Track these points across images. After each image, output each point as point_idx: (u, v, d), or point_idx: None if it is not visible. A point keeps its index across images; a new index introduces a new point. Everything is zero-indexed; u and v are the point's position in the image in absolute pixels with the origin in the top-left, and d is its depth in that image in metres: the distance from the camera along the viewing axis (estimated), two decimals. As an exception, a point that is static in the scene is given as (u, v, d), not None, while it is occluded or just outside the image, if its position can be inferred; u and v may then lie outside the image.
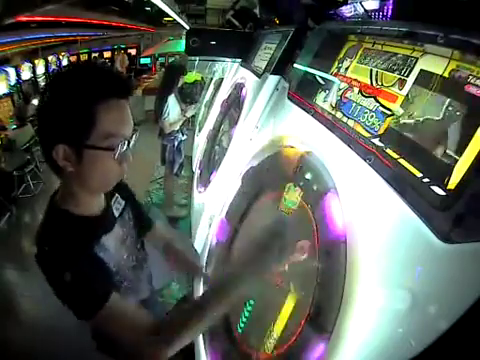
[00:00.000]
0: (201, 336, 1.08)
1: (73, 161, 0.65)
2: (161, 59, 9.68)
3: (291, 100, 1.20)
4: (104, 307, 0.65)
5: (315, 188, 0.84)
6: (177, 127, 2.90)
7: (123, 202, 0.86)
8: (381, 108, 0.76)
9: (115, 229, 0.81)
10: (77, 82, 0.65)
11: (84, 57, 8.83)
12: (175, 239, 1.11)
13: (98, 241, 0.75)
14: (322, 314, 0.66)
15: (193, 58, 3.19)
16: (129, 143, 0.70)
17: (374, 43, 0.88)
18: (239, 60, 2.33)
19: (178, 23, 5.77)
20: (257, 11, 2.25)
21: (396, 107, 0.72)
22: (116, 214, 0.83)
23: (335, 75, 1.01)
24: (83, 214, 0.73)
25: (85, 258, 0.69)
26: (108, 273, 0.75)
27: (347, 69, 0.96)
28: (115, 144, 0.66)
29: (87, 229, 0.72)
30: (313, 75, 1.13)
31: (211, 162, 2.34)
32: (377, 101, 0.78)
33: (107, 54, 9.87)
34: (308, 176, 0.88)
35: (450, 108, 0.59)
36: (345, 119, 0.88)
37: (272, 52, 1.61)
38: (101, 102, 0.63)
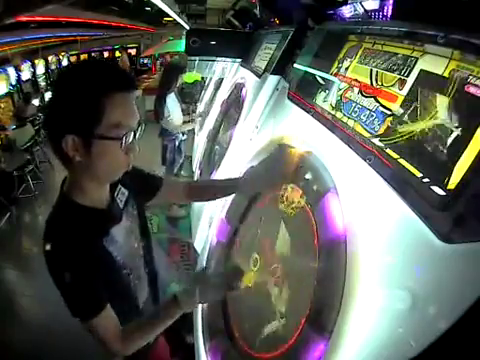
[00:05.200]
0: (201, 336, 1.08)
1: (81, 151, 0.67)
2: (161, 59, 9.68)
3: (291, 100, 1.20)
4: (98, 316, 0.72)
5: (315, 188, 0.83)
6: (183, 130, 2.91)
7: (126, 192, 0.87)
8: (381, 108, 0.76)
9: (123, 220, 0.83)
10: (85, 76, 0.68)
11: (84, 57, 8.82)
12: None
13: (108, 233, 0.77)
14: (322, 314, 0.66)
15: (193, 58, 3.19)
16: (135, 135, 0.72)
17: (374, 43, 0.88)
18: (239, 60, 2.33)
19: (178, 23, 5.78)
20: (257, 11, 2.25)
21: (396, 107, 0.72)
22: (120, 206, 0.84)
23: (335, 75, 1.01)
24: (92, 206, 0.75)
25: (93, 251, 0.71)
26: (111, 274, 0.77)
27: (347, 69, 0.96)
28: (122, 134, 0.68)
29: (96, 221, 0.75)
30: (313, 75, 1.13)
31: (211, 162, 2.34)
32: (377, 101, 0.78)
33: (107, 54, 9.86)
34: (308, 176, 0.88)
35: (450, 108, 0.59)
36: (345, 119, 0.88)
37: (272, 52, 1.61)
38: (108, 94, 0.66)
